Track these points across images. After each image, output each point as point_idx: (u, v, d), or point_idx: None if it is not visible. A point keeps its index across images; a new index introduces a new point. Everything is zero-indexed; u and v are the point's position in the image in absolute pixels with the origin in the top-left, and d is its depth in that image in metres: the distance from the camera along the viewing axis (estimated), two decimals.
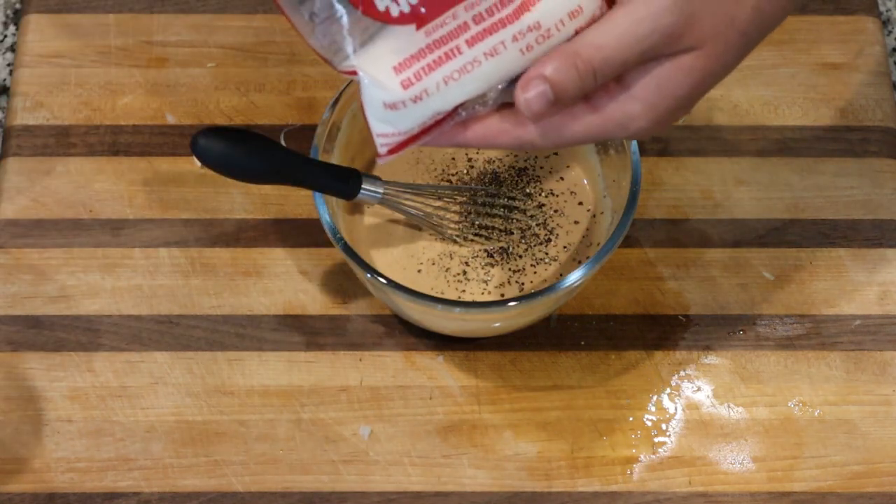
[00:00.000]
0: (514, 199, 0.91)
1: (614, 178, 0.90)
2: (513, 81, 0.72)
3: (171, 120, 0.97)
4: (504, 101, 0.73)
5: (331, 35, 0.71)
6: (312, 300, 0.91)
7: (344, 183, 0.86)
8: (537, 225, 0.90)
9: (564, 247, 0.90)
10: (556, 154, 0.93)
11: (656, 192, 0.95)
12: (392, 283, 0.83)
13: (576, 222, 0.91)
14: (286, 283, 0.92)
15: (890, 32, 1.04)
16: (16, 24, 1.03)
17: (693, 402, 0.89)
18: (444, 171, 0.92)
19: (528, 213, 0.91)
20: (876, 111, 0.98)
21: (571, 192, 0.92)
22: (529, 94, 0.70)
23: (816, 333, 0.91)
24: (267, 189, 0.94)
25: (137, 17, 1.00)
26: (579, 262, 0.89)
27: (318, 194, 0.85)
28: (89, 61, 0.99)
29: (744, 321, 0.91)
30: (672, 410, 0.88)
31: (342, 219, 0.88)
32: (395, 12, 0.70)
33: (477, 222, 0.90)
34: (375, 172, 0.89)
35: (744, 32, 0.73)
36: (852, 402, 0.89)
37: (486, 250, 0.90)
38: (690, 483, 0.86)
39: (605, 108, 0.73)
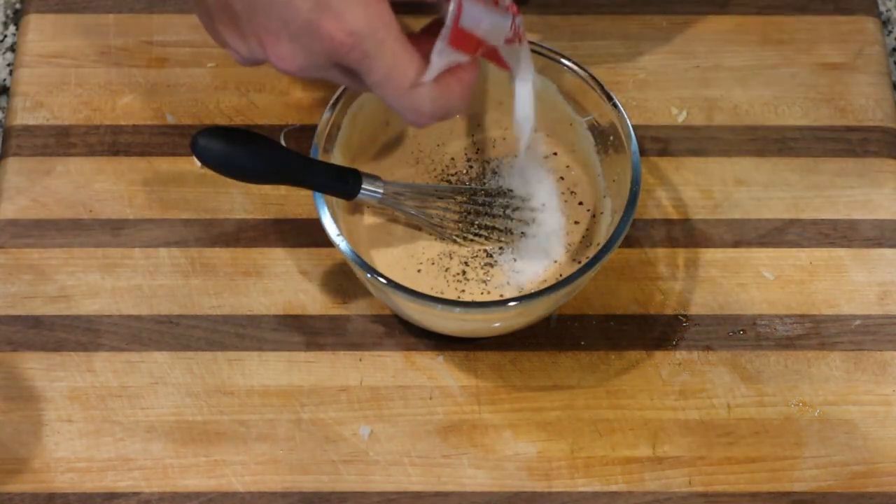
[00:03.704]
0: (513, 199, 0.91)
1: (614, 178, 0.90)
2: None
3: (171, 120, 0.97)
4: None
5: None
6: (312, 300, 0.91)
7: (344, 183, 0.86)
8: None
9: (565, 247, 0.90)
10: (555, 154, 0.93)
11: (656, 192, 0.95)
12: (392, 283, 0.83)
13: (576, 222, 0.91)
14: (286, 283, 0.92)
15: (890, 32, 1.04)
16: (16, 24, 1.03)
17: (693, 402, 0.89)
18: (444, 171, 0.92)
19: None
20: (876, 111, 0.98)
21: (571, 192, 0.92)
22: None
23: (816, 333, 0.91)
24: (267, 189, 0.94)
25: (137, 17, 1.00)
26: (579, 262, 0.89)
27: (318, 194, 0.85)
28: (89, 61, 0.99)
29: (744, 321, 0.91)
30: (672, 410, 0.88)
31: (342, 219, 0.88)
32: None
33: (477, 222, 0.90)
34: (377, 170, 0.89)
35: None
36: (852, 402, 0.89)
37: (485, 250, 0.90)
38: (690, 483, 0.86)
39: None
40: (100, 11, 1.01)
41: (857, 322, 0.91)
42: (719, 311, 0.91)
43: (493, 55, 0.82)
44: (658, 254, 0.93)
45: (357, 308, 0.91)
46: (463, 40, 0.78)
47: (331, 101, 0.88)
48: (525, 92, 0.85)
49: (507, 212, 0.90)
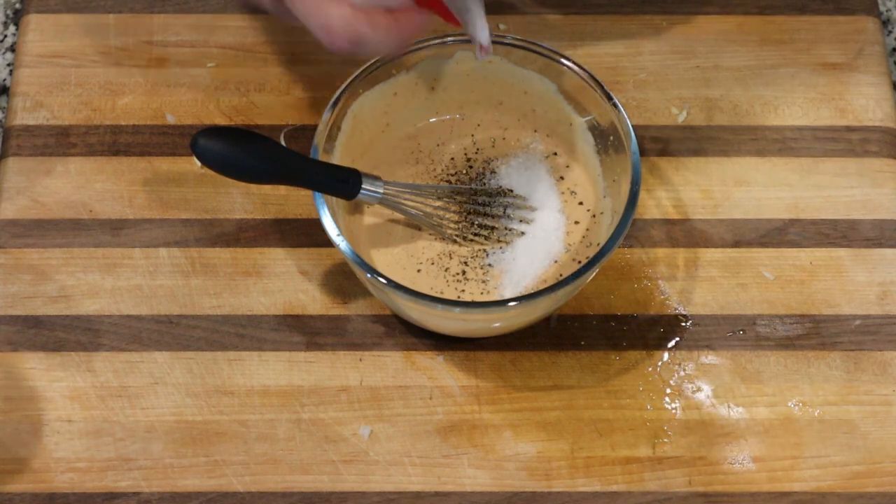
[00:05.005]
0: (514, 199, 0.91)
1: (614, 178, 0.90)
2: None
3: (171, 120, 0.97)
4: None
5: None
6: (312, 300, 0.91)
7: (344, 183, 0.86)
8: None
9: (565, 247, 0.90)
10: (555, 154, 0.93)
11: (656, 192, 0.95)
12: (392, 283, 0.83)
13: (576, 222, 0.91)
14: (286, 283, 0.92)
15: (890, 32, 1.04)
16: (16, 24, 1.03)
17: (693, 402, 0.89)
18: (443, 171, 0.92)
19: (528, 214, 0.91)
20: (876, 111, 0.98)
21: (571, 192, 0.92)
22: None
23: (816, 333, 0.91)
24: (267, 189, 0.94)
25: (137, 17, 1.00)
26: (579, 262, 0.89)
27: (318, 194, 0.85)
28: (89, 61, 0.99)
29: (744, 321, 0.91)
30: (672, 410, 0.88)
31: (342, 219, 0.88)
32: None
33: (476, 222, 0.90)
34: (377, 170, 0.89)
35: None
36: (852, 402, 0.89)
37: (485, 250, 0.90)
38: (690, 483, 0.86)
39: None
40: (100, 11, 1.01)
41: (857, 322, 0.91)
42: (719, 311, 0.91)
43: (437, 5, 0.83)
44: (658, 254, 0.93)
45: (357, 308, 0.91)
46: None
47: (331, 101, 0.88)
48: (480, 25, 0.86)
49: (507, 212, 0.90)
